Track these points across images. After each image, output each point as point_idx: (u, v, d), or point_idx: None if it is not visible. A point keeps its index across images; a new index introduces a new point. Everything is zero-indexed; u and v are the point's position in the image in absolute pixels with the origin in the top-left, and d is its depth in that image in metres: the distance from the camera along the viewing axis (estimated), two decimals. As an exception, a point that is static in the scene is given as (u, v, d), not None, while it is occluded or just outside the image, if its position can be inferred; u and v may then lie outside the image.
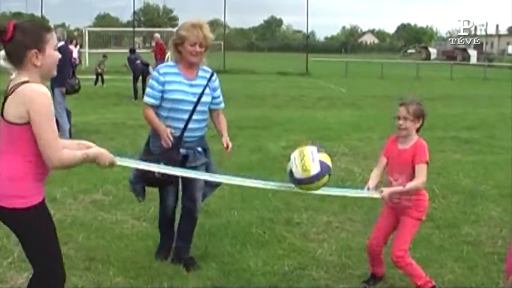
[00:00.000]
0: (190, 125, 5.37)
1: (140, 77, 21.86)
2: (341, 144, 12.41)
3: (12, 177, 3.34)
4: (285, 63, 50.53)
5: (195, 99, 5.38)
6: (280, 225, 6.93)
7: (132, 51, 23.91)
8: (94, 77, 28.07)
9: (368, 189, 5.07)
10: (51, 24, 51.72)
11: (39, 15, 46.97)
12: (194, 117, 5.39)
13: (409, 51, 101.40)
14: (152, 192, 8.23)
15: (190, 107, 5.37)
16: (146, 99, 5.45)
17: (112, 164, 3.75)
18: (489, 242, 6.56)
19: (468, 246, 6.34)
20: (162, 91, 5.37)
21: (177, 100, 5.35)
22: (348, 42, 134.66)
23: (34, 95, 3.26)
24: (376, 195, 4.99)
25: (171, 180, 5.39)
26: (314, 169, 4.54)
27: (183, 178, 5.42)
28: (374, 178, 5.20)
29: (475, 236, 6.67)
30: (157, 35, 28.60)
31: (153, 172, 5.09)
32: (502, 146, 12.26)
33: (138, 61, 21.97)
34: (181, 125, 5.35)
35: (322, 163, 4.57)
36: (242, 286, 5.31)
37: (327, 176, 4.65)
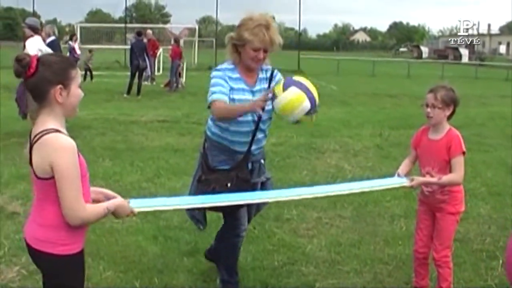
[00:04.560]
0: (256, 137, 4.73)
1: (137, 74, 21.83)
2: (332, 141, 12.44)
3: (45, 224, 3.18)
4: (277, 60, 50.03)
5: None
6: (270, 221, 6.95)
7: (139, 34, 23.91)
8: (83, 72, 28.03)
9: (398, 175, 4.83)
10: (43, 20, 51.64)
11: (31, 10, 46.77)
12: (260, 126, 4.72)
13: (401, 49, 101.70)
14: (144, 187, 8.28)
15: (254, 118, 4.67)
16: (217, 96, 4.55)
17: (131, 214, 3.60)
18: (478, 239, 6.61)
19: (457, 243, 6.36)
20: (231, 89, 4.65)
21: None
22: (340, 40, 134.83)
23: (57, 149, 3.04)
24: (406, 183, 4.66)
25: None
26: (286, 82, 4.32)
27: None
28: (404, 165, 4.93)
29: (463, 233, 6.70)
30: (149, 31, 28.57)
31: (220, 187, 4.59)
32: (490, 144, 12.32)
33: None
34: (248, 138, 4.70)
35: (296, 82, 4.31)
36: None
37: (298, 91, 4.26)
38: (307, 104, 4.27)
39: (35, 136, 3.10)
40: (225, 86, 4.59)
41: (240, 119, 4.59)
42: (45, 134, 3.07)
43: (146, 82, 24.73)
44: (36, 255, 3.25)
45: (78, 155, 3.14)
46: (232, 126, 4.66)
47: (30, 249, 3.26)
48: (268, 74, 4.85)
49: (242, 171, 4.69)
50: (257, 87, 4.77)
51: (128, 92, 21.53)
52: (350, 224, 6.98)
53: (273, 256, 5.91)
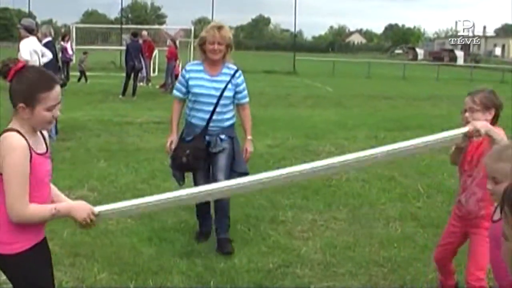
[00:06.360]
0: (214, 117, 5.96)
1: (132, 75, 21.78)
2: (327, 143, 12.41)
3: None
4: (272, 62, 50.51)
5: (216, 93, 5.95)
6: (265, 223, 6.95)
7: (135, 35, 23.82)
8: (79, 74, 27.99)
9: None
10: (38, 20, 51.53)
11: (26, 10, 46.76)
12: (218, 109, 5.96)
13: (396, 51, 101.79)
14: (139, 188, 8.27)
15: (212, 100, 5.94)
16: (174, 92, 6.33)
17: (92, 217, 3.34)
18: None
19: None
20: (187, 86, 6.06)
21: (197, 94, 5.99)
22: (335, 42, 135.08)
23: (7, 147, 3.10)
24: (464, 129, 4.03)
25: (197, 166, 6.03)
26: None
27: (209, 162, 6.09)
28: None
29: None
30: (145, 32, 28.54)
31: (181, 158, 5.94)
32: (486, 147, 12.32)
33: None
34: (206, 116, 5.94)
35: None
36: (226, 282, 5.31)
37: None
38: None
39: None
40: (182, 83, 6.13)
41: (203, 100, 5.95)
42: (4, 132, 3.17)
43: (141, 83, 24.71)
44: None
45: (46, 158, 3.26)
46: (196, 104, 6.02)
47: None
48: (232, 71, 6.07)
49: (199, 142, 5.96)
50: (219, 78, 6.00)
51: (123, 93, 21.49)
52: (345, 226, 6.97)
53: (268, 258, 5.89)
